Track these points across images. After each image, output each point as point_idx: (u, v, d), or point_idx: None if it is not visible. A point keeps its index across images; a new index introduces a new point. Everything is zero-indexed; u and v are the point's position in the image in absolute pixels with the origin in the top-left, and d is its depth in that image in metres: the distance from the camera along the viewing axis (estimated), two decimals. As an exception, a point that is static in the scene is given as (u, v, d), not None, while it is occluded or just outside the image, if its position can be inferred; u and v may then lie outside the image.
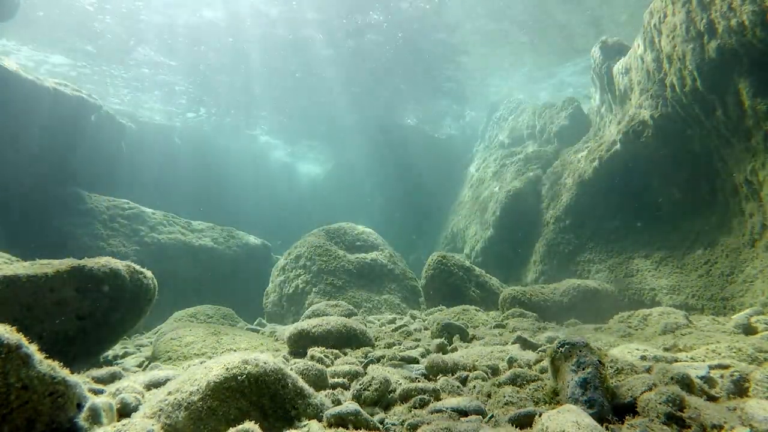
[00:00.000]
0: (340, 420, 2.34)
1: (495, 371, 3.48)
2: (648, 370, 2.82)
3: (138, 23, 16.79)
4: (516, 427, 2.24)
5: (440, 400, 2.81)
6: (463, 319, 6.88)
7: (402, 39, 18.62)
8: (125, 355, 5.56)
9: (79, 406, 2.11)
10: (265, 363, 2.46)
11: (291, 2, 15.79)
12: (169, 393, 2.29)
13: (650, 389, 2.37)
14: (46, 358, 2.07)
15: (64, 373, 2.10)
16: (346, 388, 3.14)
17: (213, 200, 25.00)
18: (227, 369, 2.35)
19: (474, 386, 3.03)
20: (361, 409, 2.44)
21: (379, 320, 7.39)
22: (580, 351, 2.54)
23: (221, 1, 15.71)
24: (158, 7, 15.95)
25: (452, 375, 3.35)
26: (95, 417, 2.14)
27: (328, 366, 3.66)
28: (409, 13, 16.80)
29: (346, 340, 4.60)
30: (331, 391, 2.95)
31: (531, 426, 2.25)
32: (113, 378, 3.57)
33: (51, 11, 15.86)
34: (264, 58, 19.76)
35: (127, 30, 17.26)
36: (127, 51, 18.95)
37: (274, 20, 16.79)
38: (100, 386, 3.18)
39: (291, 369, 2.88)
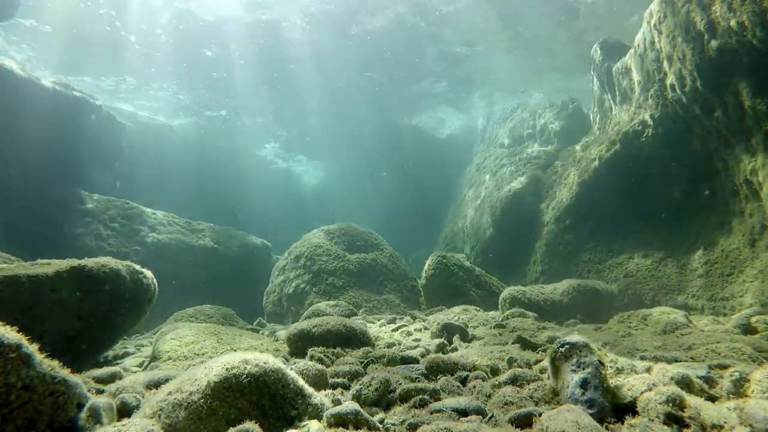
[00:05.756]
0: (340, 420, 2.34)
1: (495, 371, 3.48)
2: (648, 370, 2.82)
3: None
4: (516, 427, 2.23)
5: (440, 400, 2.81)
6: (463, 319, 6.88)
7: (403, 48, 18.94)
8: (125, 355, 5.57)
9: (80, 406, 2.11)
10: (265, 363, 2.46)
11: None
12: (169, 393, 2.29)
13: (650, 389, 2.37)
14: (47, 358, 2.08)
15: (64, 372, 2.10)
16: (346, 388, 3.14)
17: (215, 201, 24.98)
18: (227, 369, 2.35)
19: (474, 386, 3.03)
20: (361, 409, 2.44)
21: (379, 320, 7.38)
22: (580, 351, 2.54)
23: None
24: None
25: (452, 375, 3.34)
26: (95, 417, 2.14)
27: (328, 366, 3.66)
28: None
29: (346, 340, 4.60)
30: (331, 391, 2.95)
31: (531, 426, 2.24)
32: (113, 378, 3.57)
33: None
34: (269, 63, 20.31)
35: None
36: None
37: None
38: (100, 386, 3.18)
39: (291, 369, 2.88)
